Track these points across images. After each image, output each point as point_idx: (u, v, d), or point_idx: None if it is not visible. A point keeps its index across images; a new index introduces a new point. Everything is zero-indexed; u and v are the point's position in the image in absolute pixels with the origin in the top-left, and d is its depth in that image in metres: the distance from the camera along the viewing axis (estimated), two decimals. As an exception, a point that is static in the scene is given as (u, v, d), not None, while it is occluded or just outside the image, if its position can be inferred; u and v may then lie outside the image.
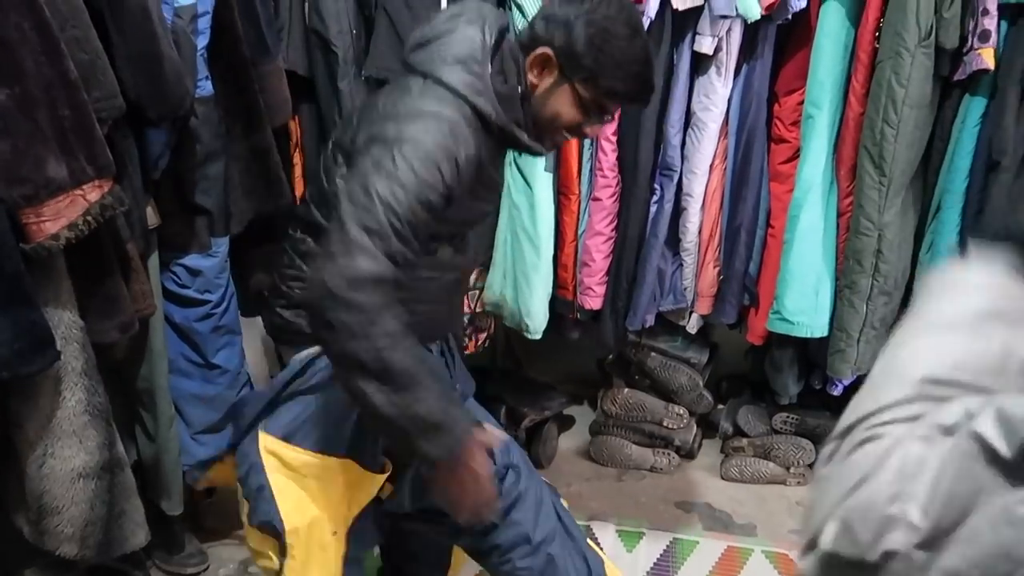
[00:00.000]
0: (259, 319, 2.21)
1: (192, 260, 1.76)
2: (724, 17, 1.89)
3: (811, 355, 2.23)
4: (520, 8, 1.91)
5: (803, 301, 2.04)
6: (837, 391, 2.17)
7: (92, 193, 1.32)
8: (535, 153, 1.28)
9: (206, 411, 1.84)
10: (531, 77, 1.21)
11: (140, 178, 1.58)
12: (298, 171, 2.06)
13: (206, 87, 1.68)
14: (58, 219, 1.29)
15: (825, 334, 2.07)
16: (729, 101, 2.03)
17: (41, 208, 1.27)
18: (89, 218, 1.32)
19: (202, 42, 1.65)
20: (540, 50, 1.19)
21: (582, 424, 2.60)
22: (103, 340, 1.49)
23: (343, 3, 1.89)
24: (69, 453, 1.43)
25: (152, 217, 1.65)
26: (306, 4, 1.91)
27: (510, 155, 2.08)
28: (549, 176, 2.11)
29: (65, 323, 1.40)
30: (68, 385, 1.43)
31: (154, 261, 1.70)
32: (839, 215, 2.03)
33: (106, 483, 1.50)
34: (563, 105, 1.21)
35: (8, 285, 1.26)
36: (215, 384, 1.84)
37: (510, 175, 2.13)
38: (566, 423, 2.63)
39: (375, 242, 1.03)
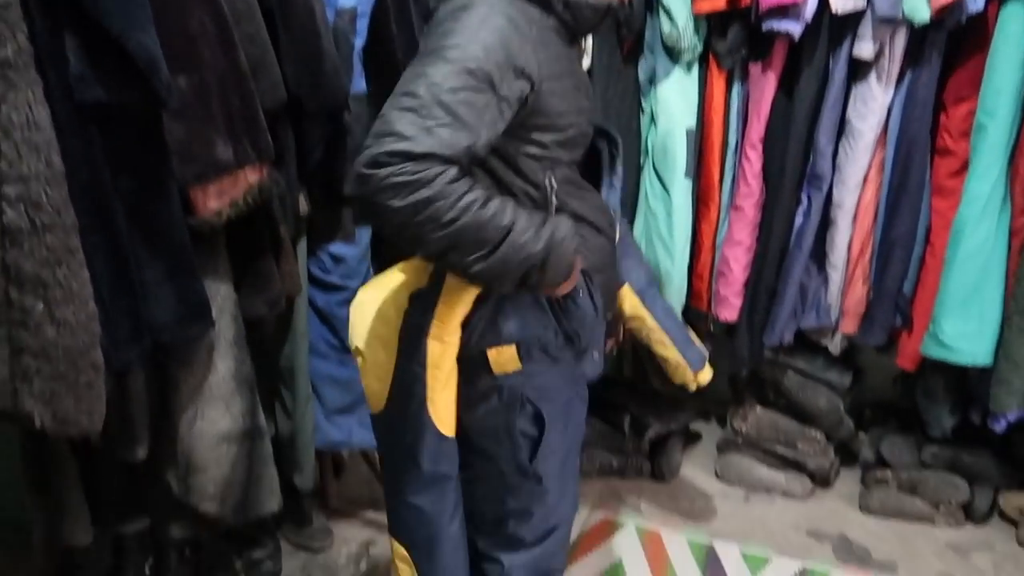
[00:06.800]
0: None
1: (336, 248, 1.85)
2: (888, 21, 1.78)
3: (970, 385, 2.04)
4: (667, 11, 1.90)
5: (965, 325, 1.87)
6: (999, 427, 1.96)
7: (253, 175, 1.42)
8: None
9: (340, 393, 1.93)
10: None
11: (295, 168, 1.69)
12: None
13: (360, 85, 1.77)
14: (222, 196, 1.40)
15: (989, 363, 1.89)
16: (889, 110, 1.91)
17: (207, 186, 1.38)
18: (249, 197, 1.42)
19: (359, 42, 1.74)
20: None
21: (709, 441, 2.51)
22: (253, 314, 1.59)
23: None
24: (216, 416, 1.54)
25: (303, 205, 1.75)
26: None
27: (649, 160, 2.07)
28: (688, 183, 2.06)
29: (221, 295, 1.51)
30: (220, 353, 1.54)
31: (302, 247, 1.80)
32: (1011, 234, 1.85)
33: (247, 449, 1.60)
34: None
35: (175, 256, 1.37)
36: (350, 367, 1.92)
37: (647, 180, 2.10)
38: (692, 439, 2.55)
39: (412, 118, 0.98)
